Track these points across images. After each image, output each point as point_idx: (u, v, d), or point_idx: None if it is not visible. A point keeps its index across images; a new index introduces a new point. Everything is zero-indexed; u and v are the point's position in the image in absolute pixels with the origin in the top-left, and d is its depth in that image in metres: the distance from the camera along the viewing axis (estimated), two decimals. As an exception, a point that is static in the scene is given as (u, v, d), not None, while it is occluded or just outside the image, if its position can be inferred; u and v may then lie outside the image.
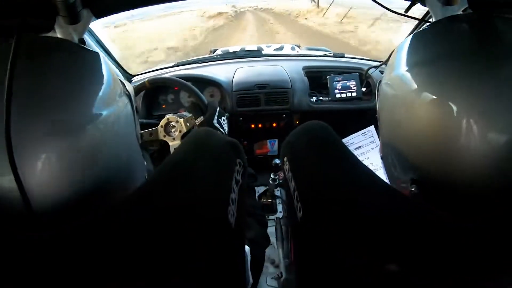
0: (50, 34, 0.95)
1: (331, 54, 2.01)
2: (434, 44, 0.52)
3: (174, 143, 1.27)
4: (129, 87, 0.66)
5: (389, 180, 0.65)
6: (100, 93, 0.53)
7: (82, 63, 0.54)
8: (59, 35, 0.93)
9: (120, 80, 0.63)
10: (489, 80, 0.43)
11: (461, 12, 0.94)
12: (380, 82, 0.62)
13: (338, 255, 0.41)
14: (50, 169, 0.45)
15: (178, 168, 0.51)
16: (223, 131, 1.22)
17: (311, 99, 1.68)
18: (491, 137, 0.43)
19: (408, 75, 0.51)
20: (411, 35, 0.57)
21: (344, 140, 1.12)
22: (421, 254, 0.37)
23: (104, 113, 0.52)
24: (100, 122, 0.51)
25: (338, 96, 1.65)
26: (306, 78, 1.70)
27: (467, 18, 0.56)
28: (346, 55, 1.94)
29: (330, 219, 0.45)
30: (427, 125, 0.48)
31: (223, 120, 1.26)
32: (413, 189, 0.52)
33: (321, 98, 1.69)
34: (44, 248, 0.39)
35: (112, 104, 0.55)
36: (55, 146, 0.45)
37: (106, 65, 0.57)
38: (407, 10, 1.04)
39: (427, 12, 1.06)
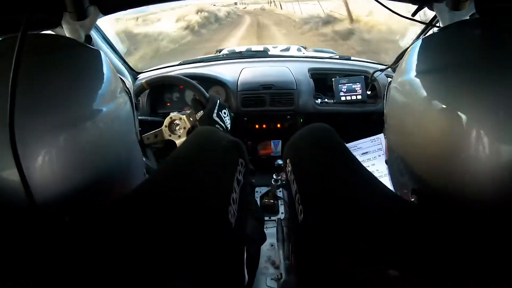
0: (57, 29, 0.96)
1: (337, 57, 2.01)
2: (444, 51, 0.51)
3: (180, 141, 1.27)
4: (129, 84, 0.67)
5: (393, 185, 0.65)
6: (100, 90, 0.54)
7: (83, 61, 0.55)
8: (66, 31, 0.94)
9: (120, 77, 0.64)
10: (501, 90, 0.41)
11: (468, 17, 0.94)
12: (389, 84, 0.61)
13: (338, 259, 0.41)
14: (52, 163, 0.46)
15: (179, 167, 0.52)
16: (223, 125, 1.21)
17: (316, 101, 1.67)
18: (502, 149, 0.41)
19: (418, 82, 0.50)
20: (420, 39, 0.56)
21: (351, 144, 1.12)
22: (421, 259, 0.37)
23: (104, 109, 0.53)
24: (100, 118, 0.52)
25: (343, 98, 1.65)
26: (311, 80, 1.70)
27: (477, 24, 0.54)
28: (352, 58, 1.93)
29: (331, 223, 0.45)
30: (435, 135, 0.46)
31: (224, 113, 1.25)
32: (412, 199, 0.51)
33: (326, 100, 1.69)
34: (47, 242, 0.39)
35: (112, 101, 0.56)
36: (56, 140, 0.46)
37: (106, 63, 0.58)
38: (414, 14, 1.04)
39: (434, 16, 1.05)
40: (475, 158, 0.42)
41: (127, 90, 0.64)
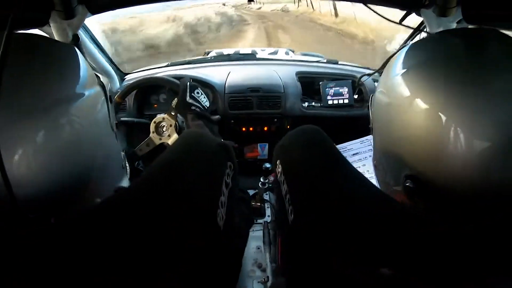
0: (44, 28, 0.94)
1: (325, 61, 2.02)
2: (429, 55, 0.54)
3: (172, 139, 1.27)
4: (104, 80, 0.68)
5: (381, 187, 0.65)
6: (72, 81, 0.55)
7: (55, 54, 0.57)
8: (53, 30, 0.93)
9: (95, 73, 0.65)
10: (478, 92, 0.46)
11: (455, 24, 0.96)
12: (373, 93, 0.64)
13: (330, 259, 0.41)
14: (26, 155, 0.47)
15: (167, 171, 0.51)
16: (199, 105, 1.18)
17: (303, 104, 1.68)
18: (475, 144, 0.45)
19: (403, 82, 0.53)
20: (407, 45, 0.57)
21: (341, 146, 1.13)
22: (414, 258, 0.37)
23: (74, 99, 0.54)
24: (71, 108, 0.53)
25: (330, 102, 1.66)
26: (299, 83, 1.71)
27: (463, 32, 0.58)
28: (339, 62, 1.95)
29: (323, 223, 0.45)
30: (418, 128, 0.50)
31: (197, 93, 1.21)
32: (407, 184, 0.53)
33: (313, 103, 1.70)
34: (36, 244, 0.38)
35: (83, 92, 0.56)
36: (28, 129, 0.47)
37: (79, 57, 0.59)
38: (402, 19, 1.06)
39: (422, 22, 1.08)
40: (453, 149, 0.46)
41: (102, 84, 0.65)
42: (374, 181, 0.64)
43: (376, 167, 0.66)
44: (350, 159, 1.10)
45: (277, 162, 0.62)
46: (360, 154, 1.12)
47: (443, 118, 0.46)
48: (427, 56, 0.54)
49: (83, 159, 0.55)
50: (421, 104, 0.49)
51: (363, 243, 0.40)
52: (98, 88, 0.63)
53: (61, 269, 0.36)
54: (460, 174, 0.47)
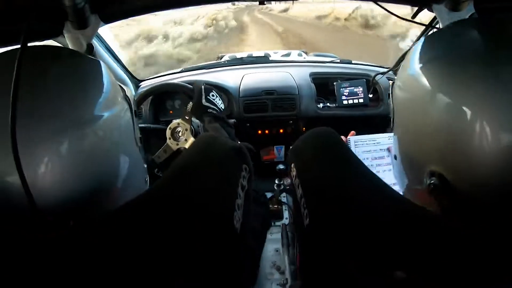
0: (59, 39, 0.97)
1: (338, 61, 2.01)
2: (446, 47, 0.52)
3: (189, 143, 1.27)
4: (129, 93, 0.67)
5: (401, 183, 0.64)
6: (99, 98, 0.55)
7: (82, 70, 0.56)
8: (67, 40, 0.95)
9: (120, 85, 0.64)
10: (498, 82, 0.43)
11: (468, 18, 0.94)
12: (392, 85, 0.62)
13: (345, 263, 0.41)
14: (52, 168, 0.47)
15: (183, 175, 0.52)
16: (216, 107, 1.17)
17: (318, 106, 1.68)
18: (502, 138, 0.43)
19: (422, 76, 0.51)
20: (421, 40, 0.56)
21: (369, 137, 1.10)
22: (428, 261, 0.37)
23: (103, 115, 0.54)
24: (99, 124, 0.53)
25: (345, 102, 1.65)
26: (313, 85, 1.70)
27: (478, 22, 0.56)
28: (353, 62, 1.94)
29: (337, 227, 0.45)
30: (442, 123, 0.48)
31: (212, 95, 1.21)
32: (432, 181, 0.50)
33: (328, 104, 1.69)
34: (50, 248, 0.39)
35: (111, 108, 0.56)
36: (56, 146, 0.47)
37: (105, 71, 0.59)
38: (414, 16, 1.04)
39: (434, 18, 1.06)
40: (479, 143, 0.44)
41: (127, 98, 0.65)
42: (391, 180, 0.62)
43: (396, 159, 0.65)
44: (380, 154, 1.08)
45: (292, 166, 0.62)
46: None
47: (468, 112, 0.44)
48: (445, 48, 0.52)
49: (106, 171, 0.55)
50: (442, 98, 0.47)
51: (378, 247, 0.40)
52: (124, 104, 0.62)
53: (73, 273, 0.36)
54: (487, 170, 0.44)
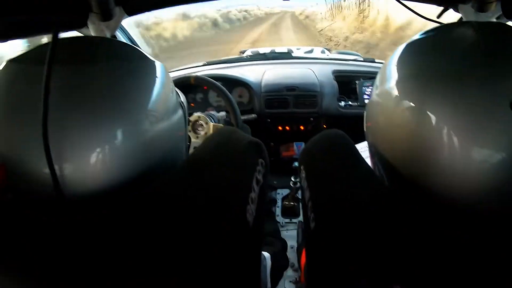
0: (83, 30, 0.99)
1: (361, 59, 1.99)
2: (421, 55, 0.50)
3: (196, 141, 1.28)
4: (183, 98, 0.66)
5: None
6: (160, 105, 0.53)
7: (145, 71, 0.55)
8: (91, 31, 0.97)
9: (176, 90, 0.63)
10: (467, 92, 0.42)
11: (494, 19, 0.92)
12: (371, 93, 0.61)
13: (348, 270, 0.41)
14: (89, 165, 0.46)
15: (198, 166, 0.52)
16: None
17: (340, 104, 1.66)
18: (473, 151, 0.41)
19: (393, 82, 0.50)
20: (405, 43, 0.54)
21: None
22: (432, 274, 0.36)
23: (160, 120, 0.53)
24: (154, 133, 0.52)
25: (367, 101, 1.62)
26: (335, 82, 1.69)
27: (459, 28, 0.53)
28: (376, 60, 1.91)
29: (343, 232, 0.45)
30: (405, 131, 0.47)
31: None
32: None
33: (349, 102, 1.68)
34: (63, 234, 0.40)
35: (168, 114, 0.56)
36: (98, 143, 0.46)
37: (166, 75, 0.57)
38: (439, 16, 1.02)
39: (460, 19, 1.03)
40: (443, 157, 0.43)
41: (182, 104, 0.64)
42: None
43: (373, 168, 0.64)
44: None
45: (301, 167, 0.61)
46: None
47: (433, 119, 0.43)
48: (418, 57, 0.50)
49: (149, 174, 0.53)
50: (408, 104, 0.46)
51: (381, 256, 0.40)
52: (180, 111, 0.61)
53: (74, 265, 0.37)
54: (455, 185, 0.44)
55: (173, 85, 0.60)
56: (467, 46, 0.47)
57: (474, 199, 0.44)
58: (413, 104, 0.45)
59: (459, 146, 0.41)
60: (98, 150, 0.45)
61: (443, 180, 0.44)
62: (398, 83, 0.49)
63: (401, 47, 0.54)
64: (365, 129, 0.64)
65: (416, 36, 0.54)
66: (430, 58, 0.48)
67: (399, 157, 0.50)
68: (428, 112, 0.43)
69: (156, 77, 0.55)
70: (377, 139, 0.57)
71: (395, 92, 0.49)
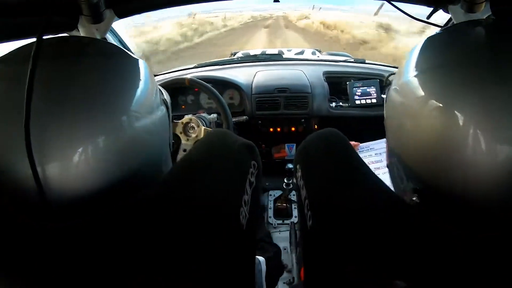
0: (73, 32, 0.98)
1: (352, 60, 2.00)
2: (445, 50, 0.49)
3: (186, 143, 1.28)
4: (166, 96, 0.66)
5: (395, 190, 0.63)
6: (142, 100, 0.52)
7: (125, 68, 0.53)
8: (82, 34, 0.96)
9: (159, 88, 0.62)
10: (497, 89, 0.40)
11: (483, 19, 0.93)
12: (389, 87, 0.59)
13: (345, 267, 0.41)
14: (73, 164, 0.44)
15: (191, 168, 0.52)
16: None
17: (331, 105, 1.67)
18: (498, 148, 0.40)
19: (415, 80, 0.48)
20: (422, 40, 0.54)
21: (365, 145, 1.11)
22: (429, 270, 0.37)
23: (142, 120, 0.52)
24: (137, 130, 0.50)
25: (357, 102, 1.63)
26: (326, 83, 1.70)
27: (483, 24, 0.52)
28: (366, 61, 1.92)
29: (340, 230, 0.45)
30: (432, 134, 0.44)
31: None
32: (414, 198, 0.49)
33: (340, 103, 1.68)
34: (53, 239, 0.40)
35: (151, 112, 0.54)
36: (81, 142, 0.44)
37: (148, 72, 0.56)
38: (429, 16, 1.03)
39: (450, 19, 1.04)
40: (471, 156, 0.41)
41: (165, 101, 0.63)
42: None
43: (389, 167, 0.63)
44: (373, 159, 1.09)
45: (297, 166, 0.61)
46: (383, 155, 1.10)
47: (461, 119, 0.41)
48: (443, 52, 0.48)
49: (135, 175, 0.52)
50: (434, 104, 0.43)
51: (379, 253, 0.40)
52: (163, 108, 0.60)
53: (73, 267, 0.37)
54: (480, 184, 0.42)
55: (156, 83, 0.59)
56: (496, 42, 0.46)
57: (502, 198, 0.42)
58: (440, 104, 0.43)
59: (485, 145, 0.40)
60: (81, 149, 0.44)
61: (472, 181, 0.42)
62: (421, 76, 0.47)
63: (420, 43, 0.53)
64: (386, 130, 0.61)
65: (437, 31, 0.54)
66: (456, 50, 0.47)
67: (425, 160, 0.47)
68: (456, 112, 0.41)
69: (138, 74, 0.54)
70: (399, 140, 0.54)
71: (419, 85, 0.47)
